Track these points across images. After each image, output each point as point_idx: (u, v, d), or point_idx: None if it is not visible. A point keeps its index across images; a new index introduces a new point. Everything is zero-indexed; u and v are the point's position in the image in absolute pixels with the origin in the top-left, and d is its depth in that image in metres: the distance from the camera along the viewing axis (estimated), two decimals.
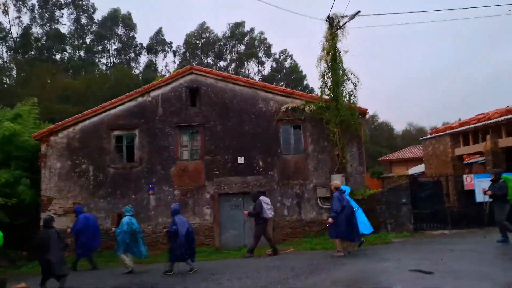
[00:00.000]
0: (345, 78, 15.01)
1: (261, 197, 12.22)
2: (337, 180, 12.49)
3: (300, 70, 58.61)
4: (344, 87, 15.03)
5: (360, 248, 11.19)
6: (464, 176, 15.15)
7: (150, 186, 15.05)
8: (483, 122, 17.02)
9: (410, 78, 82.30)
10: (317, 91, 15.84)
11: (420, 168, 28.01)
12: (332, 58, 15.02)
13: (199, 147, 15.37)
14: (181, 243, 9.79)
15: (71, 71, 46.91)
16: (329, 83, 15.11)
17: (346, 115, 14.67)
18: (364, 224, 11.43)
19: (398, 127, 65.13)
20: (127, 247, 10.79)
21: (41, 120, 18.31)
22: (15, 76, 42.97)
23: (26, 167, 15.33)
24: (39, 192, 14.96)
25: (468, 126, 18.16)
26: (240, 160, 15.16)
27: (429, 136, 21.92)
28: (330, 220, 10.17)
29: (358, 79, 15.14)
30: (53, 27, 49.75)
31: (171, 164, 15.19)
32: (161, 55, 56.45)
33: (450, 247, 10.55)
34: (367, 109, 15.61)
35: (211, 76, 15.70)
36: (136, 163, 15.22)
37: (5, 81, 40.76)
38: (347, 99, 15.04)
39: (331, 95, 15.00)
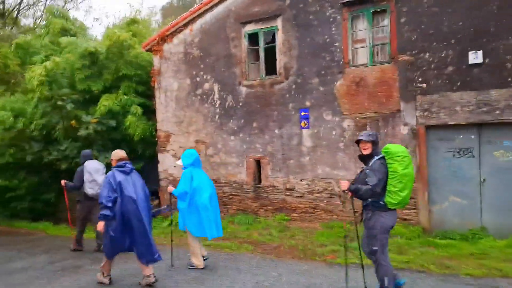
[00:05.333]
0: None
1: (87, 162, 7.16)
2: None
3: None
4: None
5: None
6: None
7: (303, 114, 8.90)
8: None
9: None
10: None
11: None
12: None
13: (388, 39, 8.20)
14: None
15: None
16: None
17: None
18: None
19: None
20: None
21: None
22: None
23: (141, 92, 11.12)
24: (154, 125, 10.67)
25: None
26: (474, 57, 7.40)
27: None
28: (99, 226, 5.17)
29: None
30: None
31: (336, 74, 8.56)
32: None
33: None
34: None
35: None
36: (279, 76, 9.19)
37: None
38: None
39: None
